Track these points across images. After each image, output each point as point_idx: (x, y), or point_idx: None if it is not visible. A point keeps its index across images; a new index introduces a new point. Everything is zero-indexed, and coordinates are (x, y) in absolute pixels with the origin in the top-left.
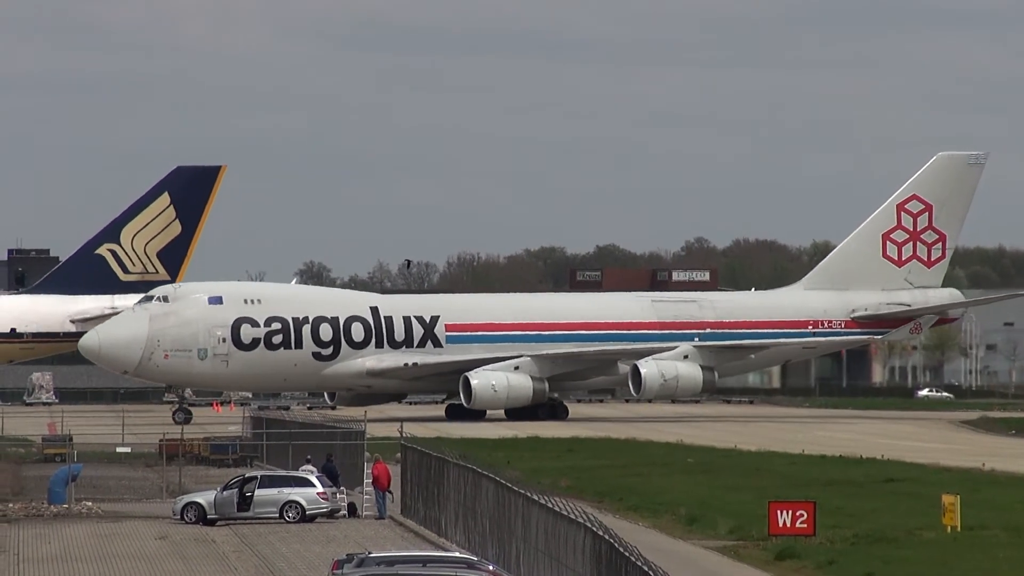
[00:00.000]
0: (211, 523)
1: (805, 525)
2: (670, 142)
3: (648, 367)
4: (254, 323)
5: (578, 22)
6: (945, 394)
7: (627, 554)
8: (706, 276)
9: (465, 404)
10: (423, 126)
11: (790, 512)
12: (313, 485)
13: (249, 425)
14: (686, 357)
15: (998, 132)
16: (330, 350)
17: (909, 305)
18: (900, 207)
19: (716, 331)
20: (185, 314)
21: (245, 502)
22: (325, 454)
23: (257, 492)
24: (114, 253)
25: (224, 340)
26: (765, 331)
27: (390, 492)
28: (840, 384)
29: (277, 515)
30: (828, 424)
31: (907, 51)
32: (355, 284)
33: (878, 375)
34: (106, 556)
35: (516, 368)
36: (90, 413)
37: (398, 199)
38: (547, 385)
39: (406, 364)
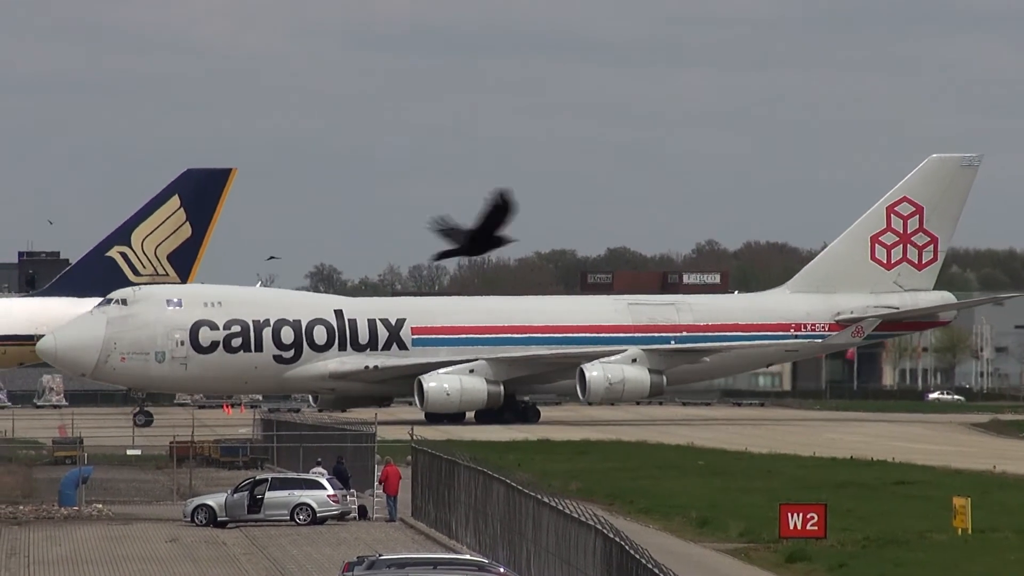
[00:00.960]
0: (222, 525)
1: (816, 527)
2: (681, 144)
3: (593, 371)
4: (213, 326)
5: (591, 23)
6: (956, 397)
7: (638, 556)
8: (717, 279)
9: (420, 407)
10: (433, 127)
11: (801, 514)
12: (324, 487)
13: (259, 427)
14: (634, 361)
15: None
16: (291, 353)
17: (897, 308)
18: (890, 209)
19: (691, 334)
20: (143, 317)
21: (256, 504)
22: (336, 456)
23: (268, 494)
24: (125, 256)
25: (182, 343)
26: (741, 334)
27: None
28: (851, 387)
29: (288, 517)
30: (838, 427)
31: (930, 52)
32: (365, 286)
33: (888, 378)
34: (116, 559)
35: (471, 371)
36: (100, 415)
37: (409, 201)
38: (503, 388)
39: (367, 367)
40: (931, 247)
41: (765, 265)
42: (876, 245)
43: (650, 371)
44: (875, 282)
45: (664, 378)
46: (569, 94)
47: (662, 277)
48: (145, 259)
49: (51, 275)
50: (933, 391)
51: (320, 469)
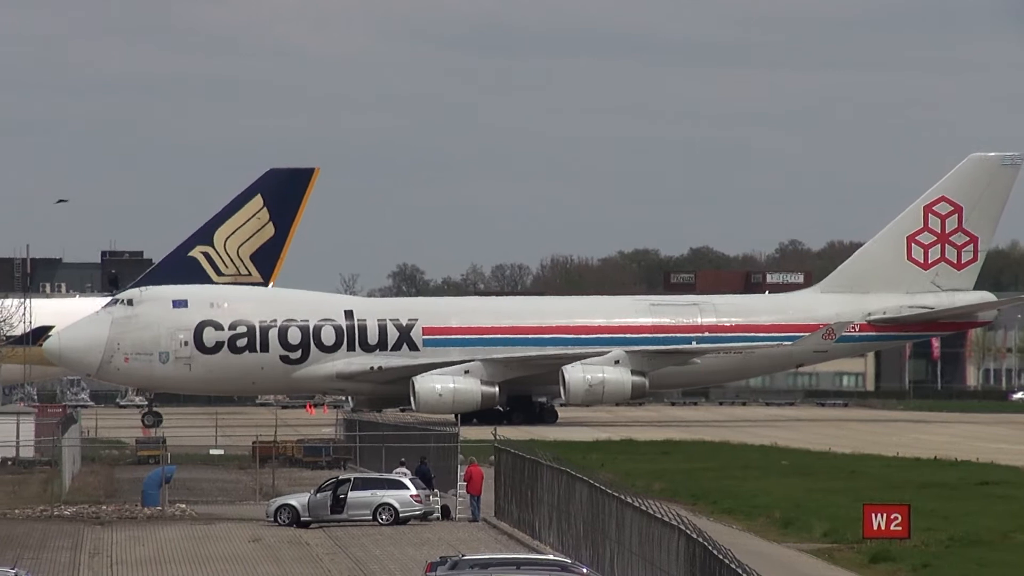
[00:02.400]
0: (304, 525)
1: (900, 528)
2: (765, 145)
3: (572, 372)
4: (218, 326)
5: (672, 26)
6: None
7: (721, 557)
8: (800, 278)
9: (414, 408)
10: (517, 129)
11: (884, 515)
12: (406, 487)
13: (342, 427)
14: (617, 362)
15: None
16: (298, 354)
17: (931, 308)
18: (928, 209)
19: (713, 335)
20: (147, 317)
21: (338, 504)
22: (419, 456)
23: (350, 494)
24: (207, 255)
25: (186, 343)
26: (765, 335)
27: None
28: (934, 387)
29: (370, 517)
30: (922, 427)
31: (1003, 55)
32: (448, 286)
33: (972, 378)
34: (199, 558)
35: (466, 372)
36: (183, 415)
37: (491, 202)
38: (498, 389)
39: (371, 367)
40: (971, 247)
41: None
42: (913, 245)
43: (632, 372)
44: (911, 282)
45: (647, 380)
46: (651, 96)
47: (745, 276)
48: (228, 259)
49: (134, 275)
50: (1017, 391)
51: (403, 469)
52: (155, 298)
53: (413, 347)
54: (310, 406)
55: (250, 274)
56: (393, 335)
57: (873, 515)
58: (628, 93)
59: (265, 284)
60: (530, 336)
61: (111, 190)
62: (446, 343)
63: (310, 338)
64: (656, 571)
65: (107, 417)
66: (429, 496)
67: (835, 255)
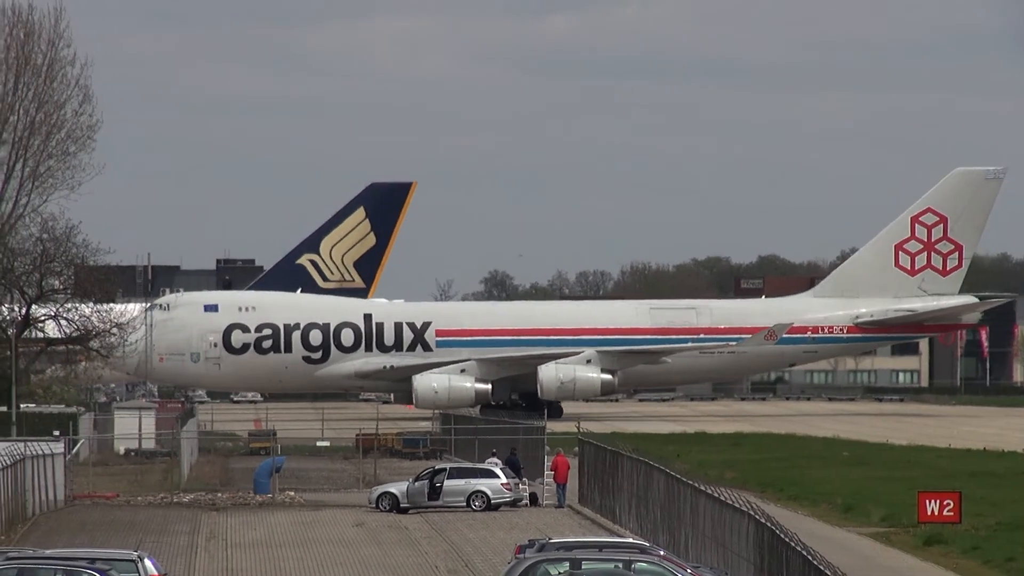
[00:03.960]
0: (404, 511)
1: (952, 513)
2: (827, 159)
3: (546, 371)
4: (245, 329)
5: (744, 47)
6: None
7: (788, 540)
8: None
9: (414, 404)
10: (599, 144)
11: (938, 501)
12: (498, 476)
13: (439, 421)
14: (588, 361)
15: None
16: (319, 354)
17: (915, 311)
18: (915, 219)
19: (708, 336)
20: (181, 320)
21: (435, 492)
22: (509, 448)
23: (446, 483)
24: (314, 263)
25: (216, 345)
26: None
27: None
28: (984, 383)
29: (464, 504)
30: (973, 420)
31: None
32: (536, 291)
33: (1019, 375)
34: (307, 541)
35: (462, 371)
36: (292, 410)
37: (576, 212)
38: (491, 387)
39: (384, 367)
40: (956, 254)
41: None
42: (900, 252)
43: (602, 371)
44: (899, 287)
45: (616, 378)
46: (725, 114)
47: (809, 282)
48: (333, 266)
49: (246, 281)
50: None
51: (495, 459)
52: (188, 303)
53: (427, 348)
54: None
55: (353, 280)
56: (408, 337)
57: (927, 501)
58: (704, 112)
59: (367, 289)
60: (532, 338)
61: (226, 202)
62: (458, 344)
63: (330, 339)
64: (728, 553)
65: (222, 411)
66: (518, 484)
67: None
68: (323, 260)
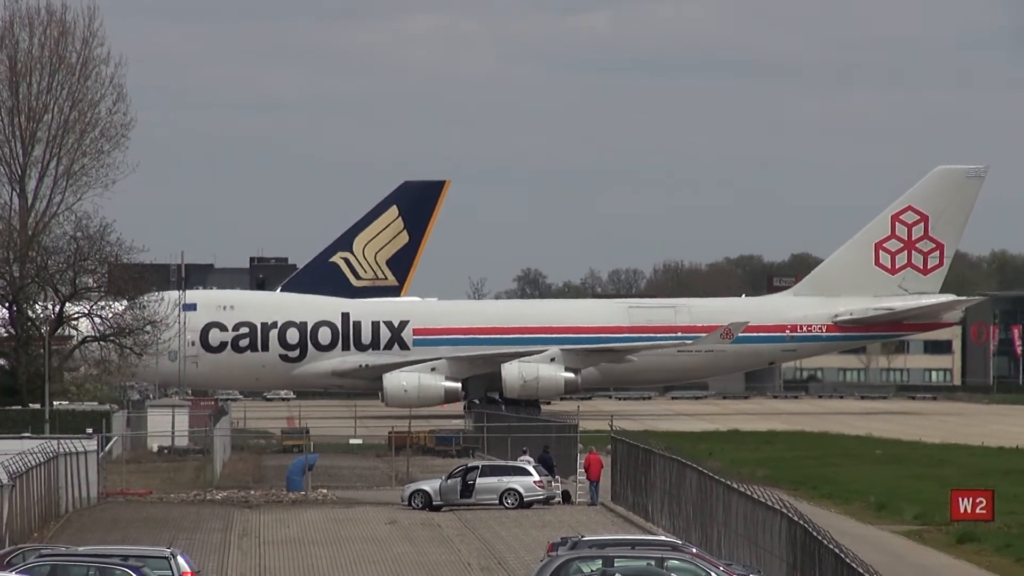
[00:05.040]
0: (436, 509)
1: (984, 511)
2: (855, 159)
3: (509, 369)
4: (223, 327)
5: (776, 47)
6: None
7: (820, 538)
8: None
9: (383, 402)
10: (632, 141)
11: (970, 499)
12: (530, 474)
13: (471, 418)
14: (552, 360)
15: None
16: (296, 352)
17: (894, 309)
18: (895, 218)
19: (686, 335)
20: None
21: (468, 489)
22: (542, 446)
23: (479, 480)
24: (347, 261)
25: (193, 343)
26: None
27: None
28: (1016, 382)
29: (497, 501)
30: (1006, 419)
31: None
32: (568, 289)
33: None
34: (340, 539)
35: (433, 369)
36: (325, 407)
37: (609, 211)
38: (461, 385)
39: (360, 365)
40: (937, 253)
41: None
42: (880, 251)
43: (566, 369)
44: (879, 286)
45: (579, 376)
46: (756, 113)
47: None
48: (366, 263)
49: (279, 279)
50: None
51: (527, 457)
52: (166, 302)
53: (404, 346)
54: None
55: (386, 278)
56: (385, 335)
57: (960, 499)
58: (738, 111)
59: (400, 287)
60: (506, 336)
61: (260, 201)
62: (434, 343)
63: (307, 338)
64: (760, 551)
65: (255, 409)
66: (551, 482)
67: None
68: (356, 258)
